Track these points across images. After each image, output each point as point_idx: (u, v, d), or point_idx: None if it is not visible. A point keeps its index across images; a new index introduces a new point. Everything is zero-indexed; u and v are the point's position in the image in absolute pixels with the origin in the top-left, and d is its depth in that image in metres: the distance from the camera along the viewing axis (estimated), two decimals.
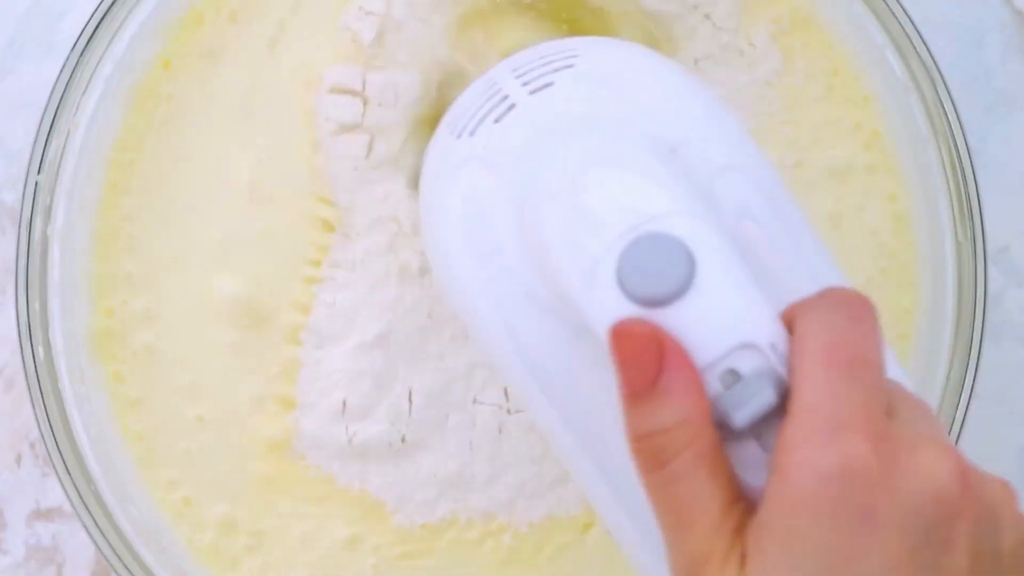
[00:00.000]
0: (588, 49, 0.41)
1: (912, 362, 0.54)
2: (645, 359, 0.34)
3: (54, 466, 0.51)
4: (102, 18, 0.52)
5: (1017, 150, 0.59)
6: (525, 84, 0.40)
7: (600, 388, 0.36)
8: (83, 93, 0.52)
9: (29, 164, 0.52)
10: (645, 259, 0.35)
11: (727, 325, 0.34)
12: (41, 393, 0.51)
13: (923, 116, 0.52)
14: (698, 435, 0.34)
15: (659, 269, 0.34)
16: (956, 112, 0.52)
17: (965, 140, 0.52)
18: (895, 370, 0.37)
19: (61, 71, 0.52)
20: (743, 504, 0.34)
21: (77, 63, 0.52)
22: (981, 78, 0.59)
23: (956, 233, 0.52)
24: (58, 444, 0.51)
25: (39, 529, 0.57)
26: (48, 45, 0.58)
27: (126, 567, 0.51)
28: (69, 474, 0.51)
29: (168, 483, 0.53)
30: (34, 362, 0.51)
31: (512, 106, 0.40)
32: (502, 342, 0.39)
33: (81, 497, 0.51)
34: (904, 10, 0.52)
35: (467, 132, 0.40)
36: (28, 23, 0.58)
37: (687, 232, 0.35)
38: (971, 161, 0.52)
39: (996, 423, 0.58)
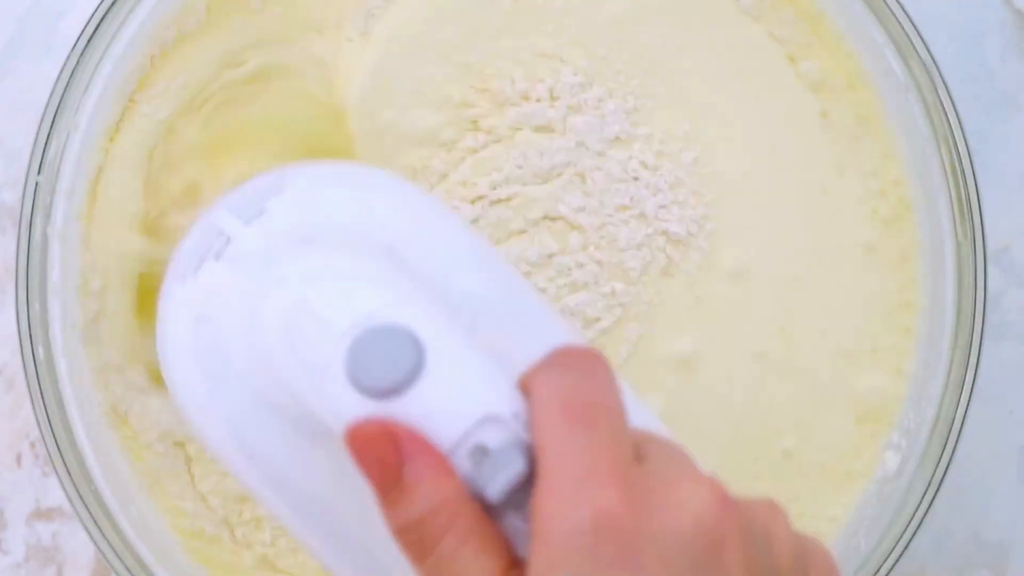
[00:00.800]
0: (296, 174, 0.42)
1: (912, 362, 0.54)
2: (384, 455, 0.34)
3: (54, 466, 0.51)
4: (102, 18, 0.52)
5: (1017, 150, 0.59)
6: (239, 217, 0.40)
7: (356, 492, 0.36)
8: (83, 93, 0.52)
9: (29, 164, 0.52)
10: (372, 351, 0.35)
11: (464, 402, 0.35)
12: (41, 393, 0.51)
13: (923, 116, 0.52)
14: (456, 515, 0.34)
15: (387, 359, 0.35)
16: (956, 112, 0.52)
17: (965, 140, 0.52)
18: (643, 416, 0.38)
19: (61, 71, 0.52)
20: (518, 572, 0.34)
21: (77, 63, 0.52)
22: (981, 78, 0.59)
23: (956, 233, 0.52)
24: (58, 444, 0.51)
25: (39, 529, 0.57)
26: (48, 45, 0.58)
27: (126, 567, 0.51)
28: (69, 474, 0.51)
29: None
30: (34, 362, 0.51)
31: (229, 240, 0.40)
32: (235, 455, 0.39)
33: (81, 497, 0.51)
34: (904, 10, 0.52)
35: (190, 274, 0.40)
36: (28, 23, 0.58)
37: (412, 320, 0.35)
38: (971, 161, 0.52)
39: (996, 423, 0.58)
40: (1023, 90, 0.59)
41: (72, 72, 0.52)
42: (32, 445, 0.57)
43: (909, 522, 0.51)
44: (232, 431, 0.39)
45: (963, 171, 0.52)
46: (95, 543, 0.51)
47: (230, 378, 0.38)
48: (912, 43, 0.52)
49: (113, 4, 0.52)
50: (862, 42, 0.53)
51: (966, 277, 0.52)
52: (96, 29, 0.52)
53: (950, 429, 0.52)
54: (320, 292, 0.37)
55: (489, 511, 0.34)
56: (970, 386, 0.52)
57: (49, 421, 0.51)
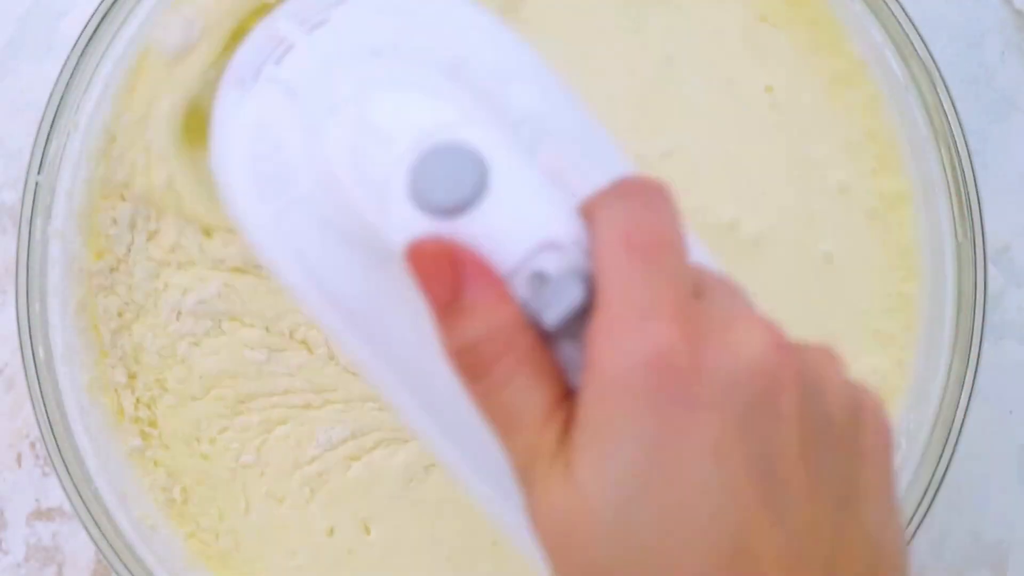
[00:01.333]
0: None
1: (912, 361, 0.54)
2: (443, 275, 0.34)
3: (54, 466, 0.51)
4: (102, 18, 0.52)
5: (1017, 150, 0.59)
6: (301, 24, 0.39)
7: (416, 316, 0.35)
8: (83, 93, 0.52)
9: (29, 164, 0.52)
10: (436, 169, 0.34)
11: (526, 227, 0.34)
12: (41, 393, 0.51)
13: (923, 116, 0.52)
14: (512, 340, 0.33)
15: (451, 178, 0.34)
16: (956, 112, 0.52)
17: (965, 140, 0.52)
18: (701, 254, 0.37)
19: (61, 71, 0.52)
20: (570, 402, 0.34)
21: (77, 63, 0.52)
22: (981, 78, 0.59)
23: (956, 233, 0.52)
24: (58, 444, 0.51)
25: (39, 529, 0.57)
26: (48, 45, 0.58)
27: (126, 567, 0.51)
28: (69, 474, 0.51)
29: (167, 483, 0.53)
30: (34, 362, 0.51)
31: (291, 47, 0.39)
32: (298, 278, 0.38)
33: (81, 497, 0.51)
34: (904, 10, 0.52)
35: (249, 79, 0.39)
36: (28, 23, 0.58)
37: (477, 139, 0.35)
38: (971, 161, 0.52)
39: (996, 423, 0.58)
40: (1023, 90, 0.59)
41: (72, 72, 0.52)
42: (32, 445, 0.57)
43: (909, 521, 0.51)
44: (297, 255, 0.37)
45: (963, 171, 0.52)
46: (95, 543, 0.51)
47: (293, 198, 0.37)
48: (912, 43, 0.52)
49: (113, 4, 0.52)
50: (862, 42, 0.53)
51: (966, 277, 0.52)
52: (96, 29, 0.52)
53: (950, 429, 0.52)
54: (383, 107, 0.36)
55: (544, 339, 0.34)
56: (970, 385, 0.52)
57: (49, 421, 0.51)
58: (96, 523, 0.51)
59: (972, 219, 0.52)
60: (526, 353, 0.33)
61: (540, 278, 0.34)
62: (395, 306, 0.37)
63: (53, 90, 0.52)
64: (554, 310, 0.33)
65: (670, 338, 0.32)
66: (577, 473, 0.32)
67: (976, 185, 0.52)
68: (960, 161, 0.52)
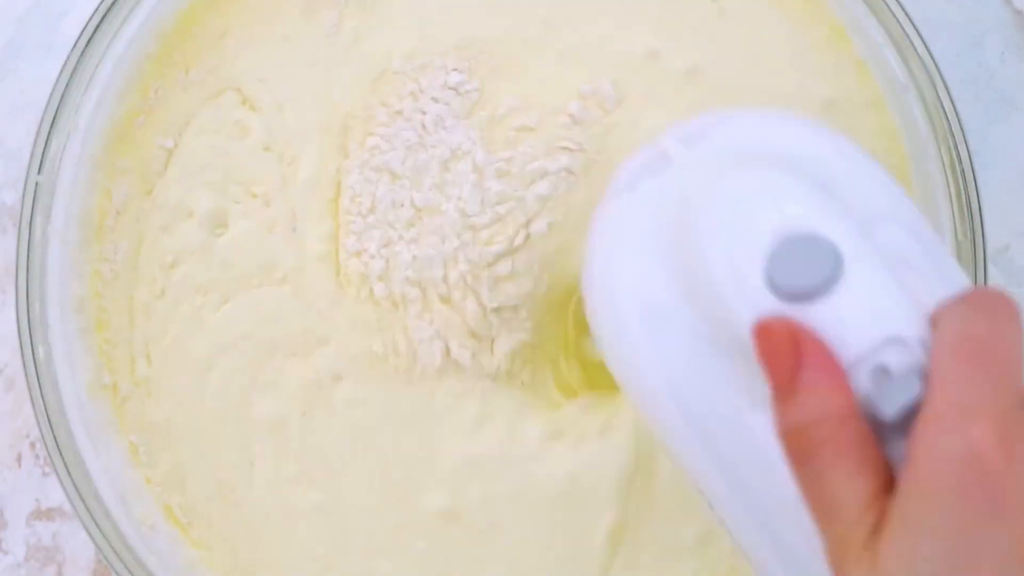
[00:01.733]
0: (745, 111, 0.43)
1: None
2: (784, 354, 0.35)
3: (54, 466, 0.51)
4: (102, 18, 0.52)
5: (1017, 150, 0.59)
6: (682, 142, 0.41)
7: (761, 428, 0.37)
8: (83, 93, 0.52)
9: (29, 164, 0.52)
10: (793, 255, 0.36)
11: (874, 319, 0.35)
12: (41, 393, 0.51)
13: (923, 116, 0.52)
14: (841, 428, 0.34)
15: (807, 264, 0.36)
16: (956, 112, 0.52)
17: (965, 140, 0.52)
18: None
19: (61, 71, 0.52)
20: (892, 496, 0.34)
21: (77, 63, 0.52)
22: (981, 78, 0.59)
23: (956, 233, 0.52)
24: (58, 444, 0.51)
25: (39, 529, 0.57)
26: (48, 45, 0.58)
27: (126, 567, 0.51)
28: (69, 474, 0.51)
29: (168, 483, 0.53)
30: (34, 362, 0.51)
31: (669, 159, 0.41)
32: (665, 399, 0.39)
33: (81, 497, 0.51)
34: (904, 10, 0.52)
35: (626, 191, 0.41)
36: (28, 23, 0.58)
37: (834, 231, 0.36)
38: (971, 161, 0.52)
39: None
40: (1023, 90, 0.59)
41: (72, 72, 0.52)
42: (32, 445, 0.57)
43: None
44: (667, 377, 0.39)
45: (963, 171, 0.52)
46: (95, 543, 0.51)
47: (666, 311, 0.39)
48: (912, 43, 0.52)
49: (113, 4, 0.52)
50: (862, 42, 0.53)
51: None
52: (96, 29, 0.52)
53: None
54: (749, 193, 0.38)
55: (880, 435, 0.35)
56: None
57: (49, 421, 0.51)
58: (96, 523, 0.51)
59: (972, 219, 0.52)
60: (853, 442, 0.34)
61: (883, 372, 0.35)
62: (744, 418, 0.38)
63: (53, 90, 0.52)
64: (891, 404, 0.34)
65: (986, 440, 0.32)
66: (881, 565, 0.33)
67: (976, 185, 0.52)
68: (960, 161, 0.52)
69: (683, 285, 0.39)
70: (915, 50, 0.52)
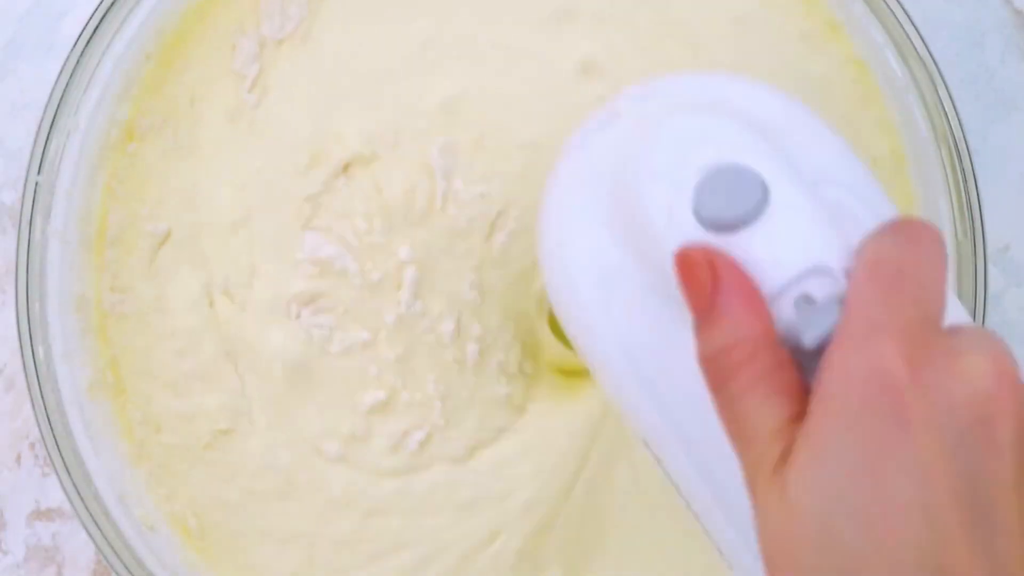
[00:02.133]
0: (696, 72, 0.44)
1: None
2: (703, 280, 0.35)
3: (54, 466, 0.51)
4: (102, 18, 0.52)
5: (1017, 150, 0.59)
6: (632, 98, 0.42)
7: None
8: (83, 93, 0.52)
9: (29, 164, 0.52)
10: (719, 186, 0.36)
11: (799, 249, 0.35)
12: (41, 393, 0.51)
13: (923, 116, 0.52)
14: (756, 354, 0.35)
15: (732, 195, 0.36)
16: (956, 112, 0.52)
17: (965, 140, 0.52)
18: (958, 312, 0.38)
19: (61, 71, 0.52)
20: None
21: (77, 63, 0.52)
22: (981, 78, 0.59)
23: (956, 232, 0.52)
24: (58, 444, 0.51)
25: (39, 529, 0.57)
26: (48, 45, 0.58)
27: (126, 567, 0.51)
28: (69, 474, 0.51)
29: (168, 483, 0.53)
30: (34, 362, 0.51)
31: (619, 115, 0.42)
32: (616, 356, 0.40)
33: (81, 497, 0.51)
34: (904, 10, 0.52)
35: (578, 147, 0.42)
36: (28, 23, 0.58)
37: (761, 165, 0.36)
38: (971, 161, 0.52)
39: None
40: (1023, 90, 0.59)
41: (72, 72, 0.52)
42: (32, 445, 0.57)
43: None
44: (618, 336, 0.40)
45: (963, 171, 0.52)
46: (95, 543, 0.51)
47: (613, 266, 0.40)
48: (912, 43, 0.52)
49: (113, 4, 0.52)
50: (862, 42, 0.53)
51: (966, 277, 0.52)
52: (96, 29, 0.52)
53: None
54: (681, 131, 0.38)
55: (806, 366, 0.35)
56: None
57: (49, 421, 0.51)
58: (96, 523, 0.51)
59: (972, 219, 0.52)
60: (768, 367, 0.35)
61: (807, 301, 0.35)
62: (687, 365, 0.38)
63: (53, 90, 0.52)
64: (812, 331, 0.35)
65: (891, 356, 0.32)
66: (790, 486, 0.33)
67: (976, 185, 0.52)
68: (960, 161, 0.52)
69: (628, 237, 0.39)
70: (915, 50, 0.52)
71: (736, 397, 0.35)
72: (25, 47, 0.58)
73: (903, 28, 0.52)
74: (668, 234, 0.37)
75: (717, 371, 0.35)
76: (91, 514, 0.51)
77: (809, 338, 0.35)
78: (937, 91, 0.52)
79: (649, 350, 0.39)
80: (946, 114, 0.52)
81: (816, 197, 0.37)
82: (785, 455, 0.34)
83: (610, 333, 0.40)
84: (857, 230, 0.36)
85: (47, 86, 0.52)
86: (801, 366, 0.35)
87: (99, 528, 0.51)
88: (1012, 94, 0.59)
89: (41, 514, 0.57)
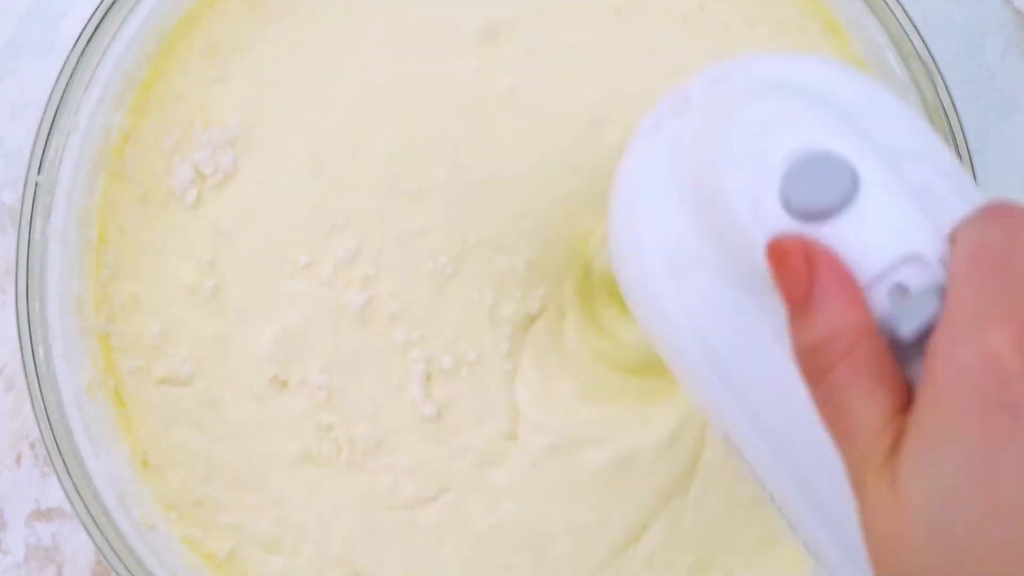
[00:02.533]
0: (767, 53, 0.43)
1: None
2: (798, 271, 0.34)
3: (54, 466, 0.51)
4: (102, 18, 0.52)
5: (1017, 150, 0.59)
6: (704, 82, 0.41)
7: (784, 360, 0.36)
8: (83, 93, 0.52)
9: (29, 164, 0.52)
10: (808, 175, 0.35)
11: (891, 237, 0.35)
12: (41, 393, 0.51)
13: (923, 116, 0.52)
14: (855, 344, 0.34)
15: (822, 183, 0.35)
16: (956, 112, 0.52)
17: (965, 140, 0.52)
18: None
19: (61, 71, 0.52)
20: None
21: (77, 63, 0.52)
22: (981, 78, 0.59)
23: None
24: (58, 444, 0.51)
25: (39, 529, 0.57)
26: (48, 45, 0.58)
27: (126, 567, 0.51)
28: (69, 474, 0.51)
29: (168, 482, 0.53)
30: (34, 362, 0.51)
31: (691, 100, 0.41)
32: (691, 344, 0.39)
33: (81, 497, 0.51)
34: (904, 10, 0.52)
35: (651, 134, 0.41)
36: (28, 23, 0.58)
37: (851, 152, 0.36)
38: (971, 161, 0.52)
39: None
40: (1023, 90, 0.59)
41: (72, 72, 0.52)
42: (32, 445, 0.57)
43: None
44: (691, 321, 0.39)
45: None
46: (95, 543, 0.51)
47: (689, 248, 0.39)
48: (912, 43, 0.52)
49: (113, 4, 0.52)
50: (862, 42, 0.53)
51: None
52: (96, 29, 0.52)
53: None
54: (763, 117, 0.37)
55: (902, 356, 0.34)
56: None
57: (49, 421, 0.51)
58: (96, 523, 0.51)
59: None
60: (869, 359, 0.34)
61: (901, 290, 0.34)
62: (774, 365, 0.38)
63: (53, 90, 0.52)
64: (909, 322, 0.34)
65: (1003, 347, 0.32)
66: (900, 482, 0.32)
67: (976, 185, 0.52)
68: (960, 161, 0.52)
69: (704, 222, 0.38)
70: (915, 50, 0.52)
71: (837, 390, 0.34)
72: (25, 47, 0.58)
73: (903, 28, 0.52)
74: (755, 224, 0.36)
75: (815, 364, 0.34)
76: (91, 514, 0.51)
77: (907, 329, 0.34)
78: (937, 91, 0.52)
79: (723, 336, 0.39)
80: (946, 114, 0.52)
81: (905, 182, 0.36)
82: (894, 449, 0.33)
83: (682, 317, 0.39)
84: (947, 215, 0.36)
85: (47, 86, 0.52)
86: (898, 359, 0.34)
87: (99, 528, 0.51)
88: (1012, 94, 0.59)
89: (41, 514, 0.57)
